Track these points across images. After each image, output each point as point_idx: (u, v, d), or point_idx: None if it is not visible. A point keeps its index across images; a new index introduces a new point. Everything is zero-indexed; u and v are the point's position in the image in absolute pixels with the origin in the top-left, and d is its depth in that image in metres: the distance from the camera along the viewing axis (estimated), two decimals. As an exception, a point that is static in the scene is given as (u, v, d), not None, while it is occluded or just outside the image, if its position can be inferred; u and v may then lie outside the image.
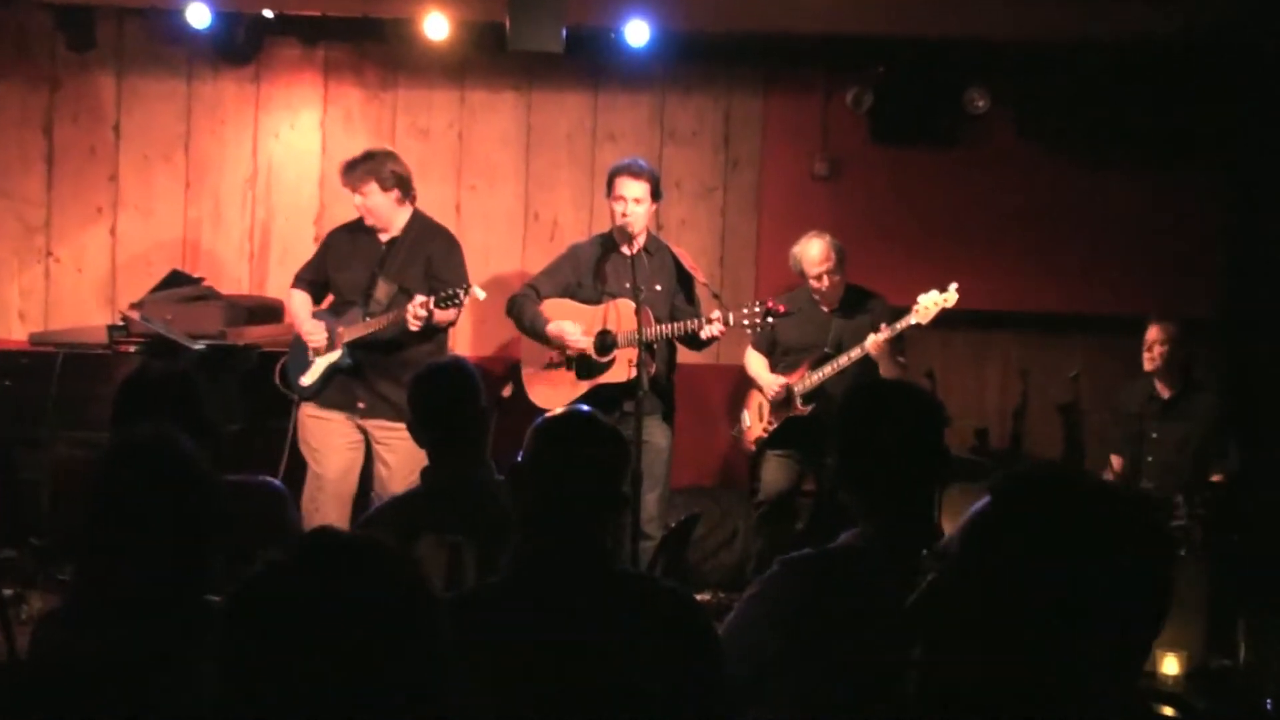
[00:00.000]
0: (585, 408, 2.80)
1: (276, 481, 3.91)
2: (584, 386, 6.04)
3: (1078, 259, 7.61)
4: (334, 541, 1.63)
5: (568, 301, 6.15)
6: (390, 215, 6.11)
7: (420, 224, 6.19)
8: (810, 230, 6.51)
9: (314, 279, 6.27)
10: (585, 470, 2.60)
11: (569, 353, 6.07)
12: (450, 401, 3.77)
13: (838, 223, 6.89)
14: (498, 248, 7.56)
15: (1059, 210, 7.61)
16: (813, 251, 6.39)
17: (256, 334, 6.63)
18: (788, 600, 2.69)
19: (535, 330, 6.11)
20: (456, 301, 5.75)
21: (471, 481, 3.65)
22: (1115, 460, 6.65)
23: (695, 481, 7.40)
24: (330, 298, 6.25)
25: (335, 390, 6.05)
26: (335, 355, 6.03)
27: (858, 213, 7.52)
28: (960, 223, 7.63)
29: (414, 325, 5.76)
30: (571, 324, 6.03)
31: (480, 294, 5.76)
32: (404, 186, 6.10)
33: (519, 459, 2.66)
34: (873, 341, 6.07)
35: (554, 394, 6.01)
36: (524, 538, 2.60)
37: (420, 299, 5.74)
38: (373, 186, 6.05)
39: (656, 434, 5.99)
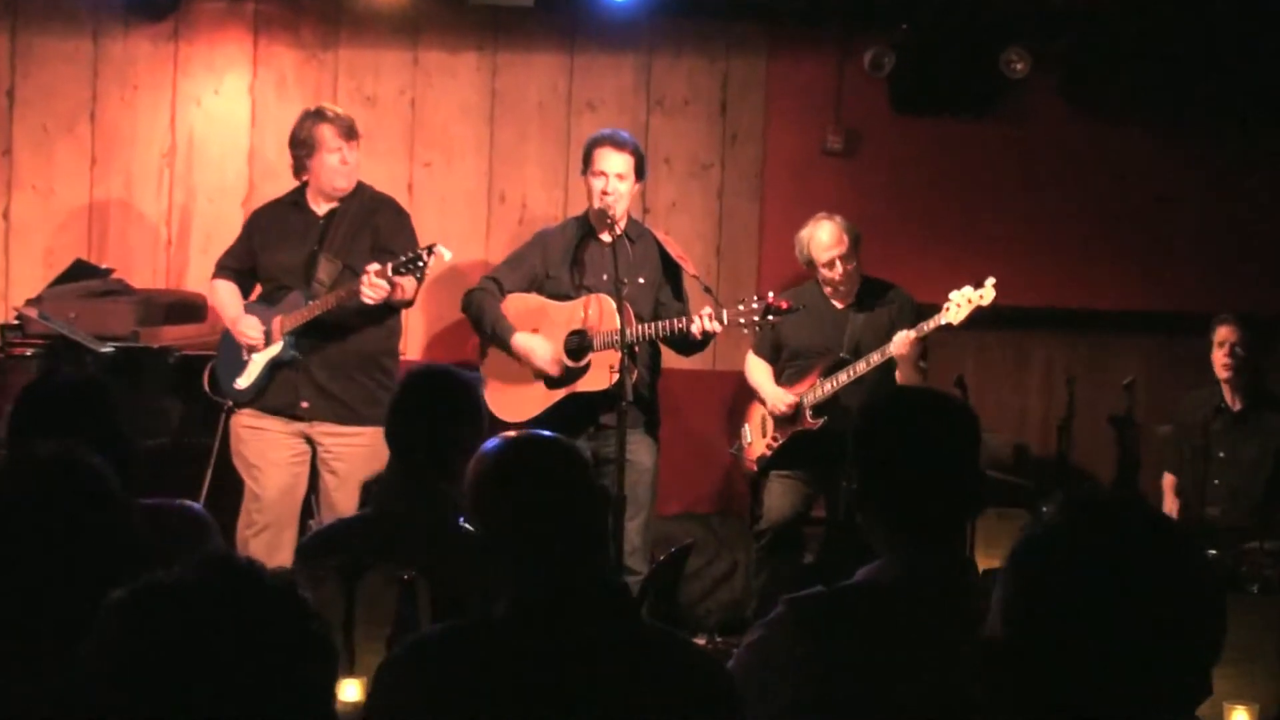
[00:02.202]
0: (530, 432, 2.82)
1: (197, 506, 3.91)
2: (555, 396, 6.04)
3: (1133, 248, 7.62)
4: (228, 571, 1.69)
5: (534, 296, 6.14)
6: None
7: (361, 192, 6.22)
8: (820, 213, 6.52)
9: (240, 266, 6.24)
10: (557, 500, 2.60)
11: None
12: (438, 418, 3.75)
13: (853, 205, 6.90)
14: (457, 234, 7.53)
15: (1111, 191, 7.62)
16: (823, 235, 6.39)
17: (174, 335, 6.61)
18: (796, 648, 2.68)
19: (497, 337, 6.11)
20: (420, 265, 5.68)
21: (430, 507, 3.63)
22: (1169, 481, 6.67)
23: (687, 507, 7.39)
24: (259, 288, 6.23)
25: (276, 390, 6.02)
26: (276, 349, 6.00)
27: (877, 194, 7.52)
28: (996, 206, 7.64)
29: (370, 299, 5.70)
30: (543, 343, 6.01)
31: (446, 255, 5.74)
32: None
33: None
34: (904, 339, 6.05)
35: (520, 404, 6.01)
36: (503, 576, 2.59)
37: (375, 267, 5.68)
38: (357, 141, 6.18)
39: (640, 451, 5.99)
